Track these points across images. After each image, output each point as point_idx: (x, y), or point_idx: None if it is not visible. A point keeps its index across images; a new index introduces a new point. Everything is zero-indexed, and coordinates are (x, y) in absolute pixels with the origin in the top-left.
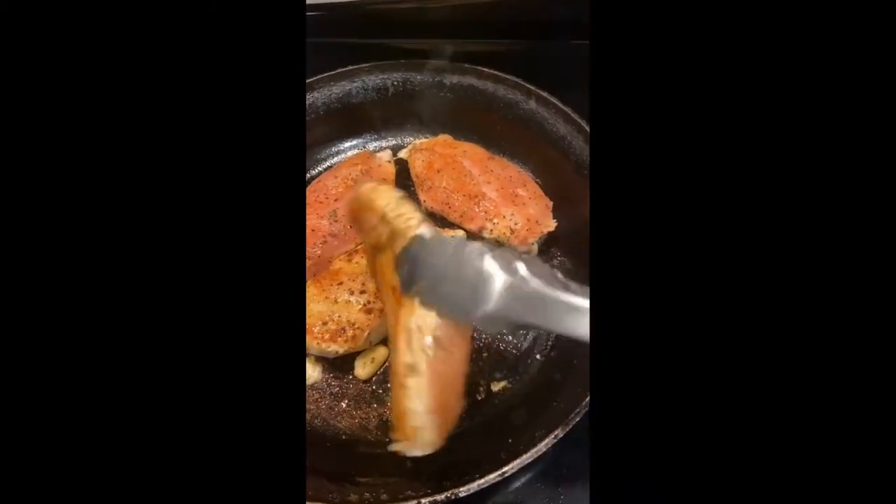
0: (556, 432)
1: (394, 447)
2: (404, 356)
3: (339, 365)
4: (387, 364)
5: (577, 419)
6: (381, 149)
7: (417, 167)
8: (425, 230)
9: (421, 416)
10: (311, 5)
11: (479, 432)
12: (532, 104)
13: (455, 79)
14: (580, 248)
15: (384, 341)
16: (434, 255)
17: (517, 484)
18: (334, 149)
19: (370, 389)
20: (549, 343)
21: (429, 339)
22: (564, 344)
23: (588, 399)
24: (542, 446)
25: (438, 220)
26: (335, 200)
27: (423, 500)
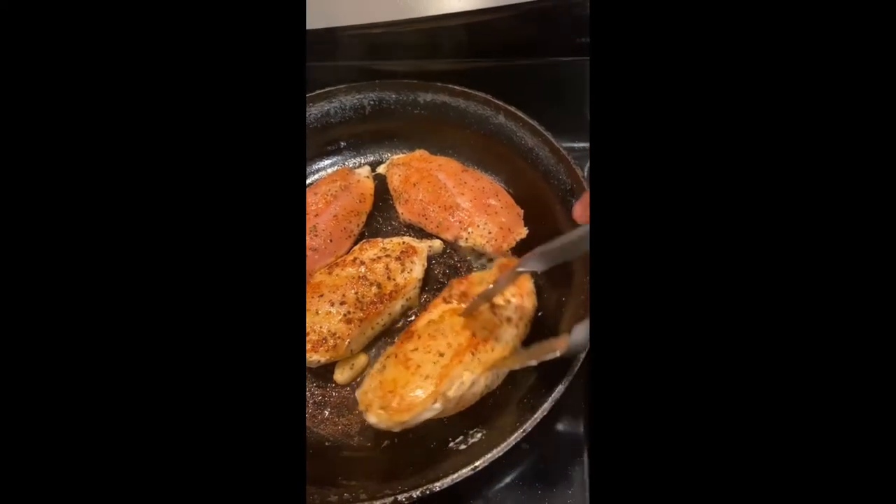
0: (525, 426)
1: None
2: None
3: (322, 374)
4: (366, 371)
5: (545, 415)
6: (360, 165)
7: (395, 181)
8: None
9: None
10: None
11: (453, 432)
12: (501, 119)
13: (428, 96)
14: None
15: (364, 350)
16: None
17: (499, 486)
18: (315, 167)
19: (352, 397)
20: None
21: None
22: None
23: (556, 392)
24: (512, 440)
25: (416, 231)
26: (315, 216)
27: (399, 497)
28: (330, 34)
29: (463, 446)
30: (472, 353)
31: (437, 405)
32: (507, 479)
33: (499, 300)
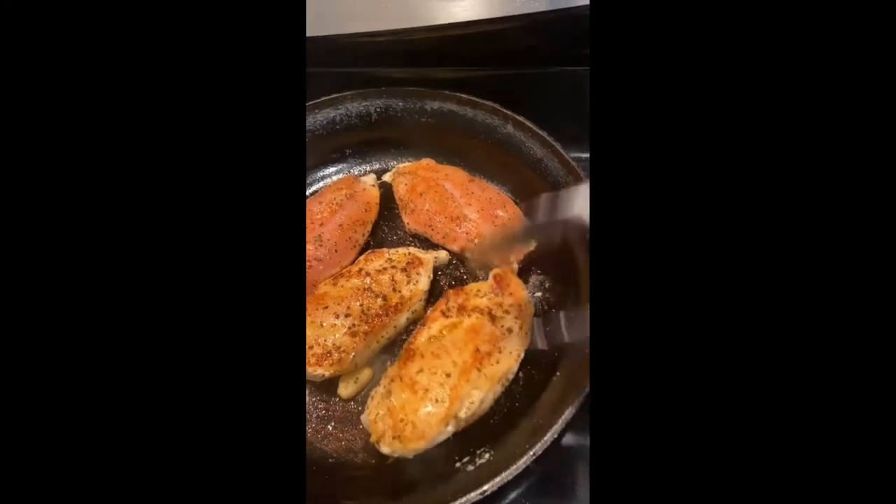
0: (534, 449)
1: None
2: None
3: (326, 388)
4: (369, 390)
5: (555, 437)
6: (366, 173)
7: (401, 190)
8: None
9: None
10: None
11: (459, 451)
12: (509, 128)
13: (435, 105)
14: (557, 266)
15: (368, 363)
16: None
17: (504, 502)
18: (319, 174)
19: (357, 411)
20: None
21: None
22: (539, 361)
23: (567, 414)
24: (522, 463)
25: (422, 241)
26: (320, 225)
27: None
28: (337, 41)
29: (470, 467)
30: (478, 370)
31: (450, 428)
32: (513, 495)
33: (498, 311)
